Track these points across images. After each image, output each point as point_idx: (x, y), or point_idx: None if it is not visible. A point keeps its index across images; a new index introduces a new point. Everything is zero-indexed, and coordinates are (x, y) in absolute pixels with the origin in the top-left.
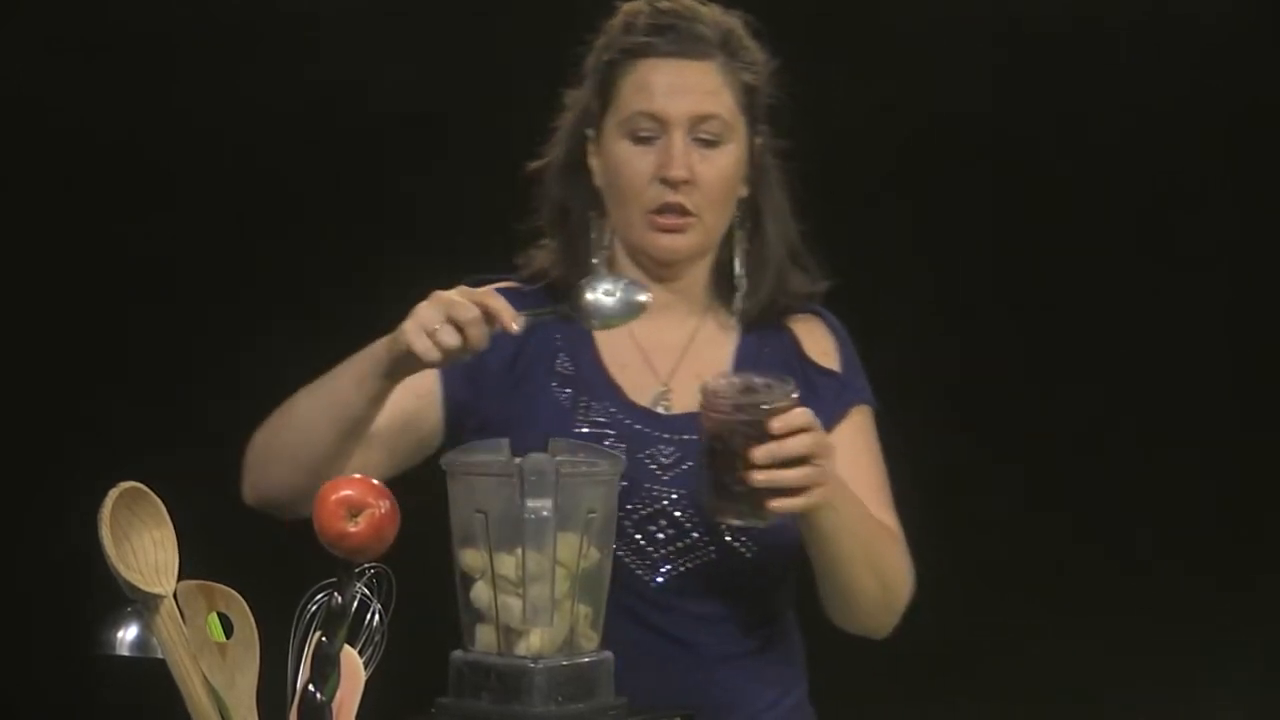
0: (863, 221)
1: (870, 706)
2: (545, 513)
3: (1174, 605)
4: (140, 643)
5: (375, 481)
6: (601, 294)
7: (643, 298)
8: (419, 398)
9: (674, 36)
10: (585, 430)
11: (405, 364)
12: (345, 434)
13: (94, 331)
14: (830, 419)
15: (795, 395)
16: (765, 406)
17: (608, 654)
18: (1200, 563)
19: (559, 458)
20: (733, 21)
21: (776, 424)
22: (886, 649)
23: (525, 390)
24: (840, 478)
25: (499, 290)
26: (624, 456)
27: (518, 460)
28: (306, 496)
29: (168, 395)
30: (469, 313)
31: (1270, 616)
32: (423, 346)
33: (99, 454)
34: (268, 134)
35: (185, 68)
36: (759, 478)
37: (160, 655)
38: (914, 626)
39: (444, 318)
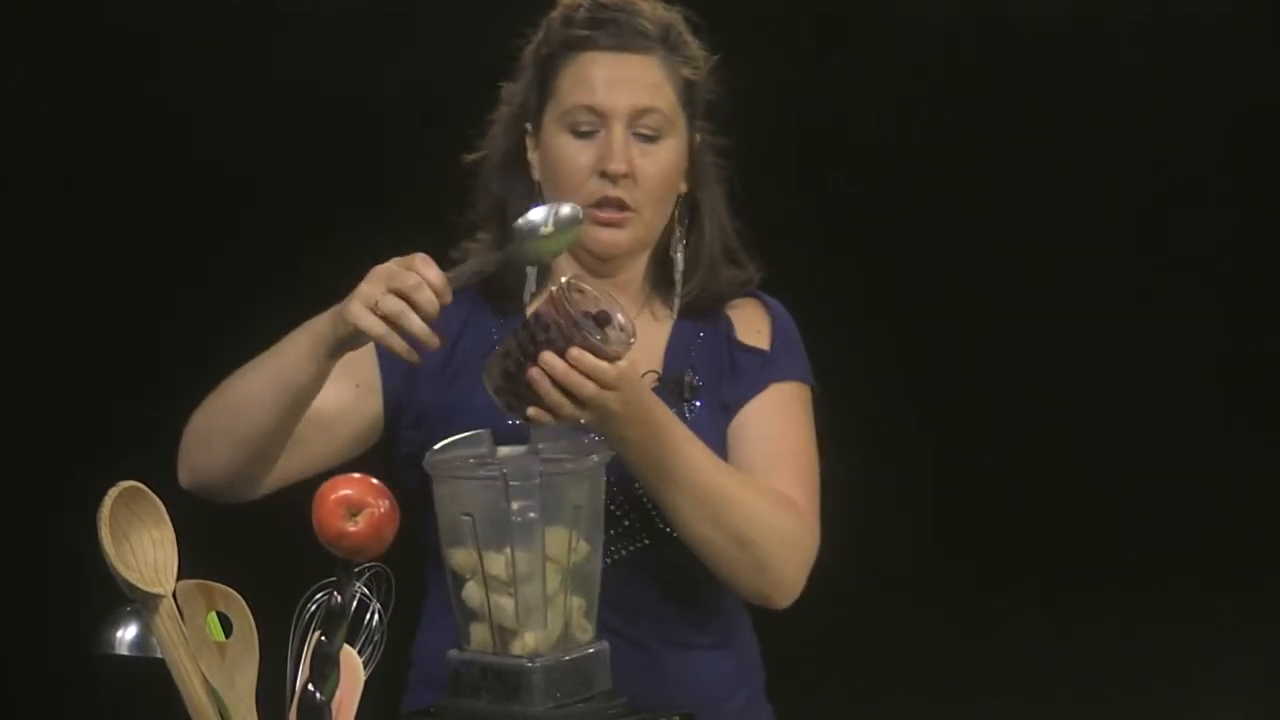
0: (864, 222)
1: (855, 707)
2: (531, 514)
3: (1174, 605)
4: (139, 642)
5: (375, 481)
6: (535, 227)
7: (569, 210)
8: (358, 388)
9: (614, 30)
10: (520, 422)
11: (351, 341)
12: (289, 409)
13: (94, 331)
14: (750, 392)
15: (619, 355)
16: (590, 336)
17: (604, 644)
18: (1200, 563)
19: (541, 445)
20: (673, 16)
21: (574, 353)
22: (872, 648)
23: (461, 384)
24: (672, 425)
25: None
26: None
27: (500, 460)
28: (245, 477)
29: (167, 395)
30: (410, 279)
31: (1270, 616)
32: (368, 323)
33: (99, 454)
34: (269, 133)
35: (185, 67)
36: (532, 372)
37: (159, 654)
38: (909, 626)
39: (384, 290)
